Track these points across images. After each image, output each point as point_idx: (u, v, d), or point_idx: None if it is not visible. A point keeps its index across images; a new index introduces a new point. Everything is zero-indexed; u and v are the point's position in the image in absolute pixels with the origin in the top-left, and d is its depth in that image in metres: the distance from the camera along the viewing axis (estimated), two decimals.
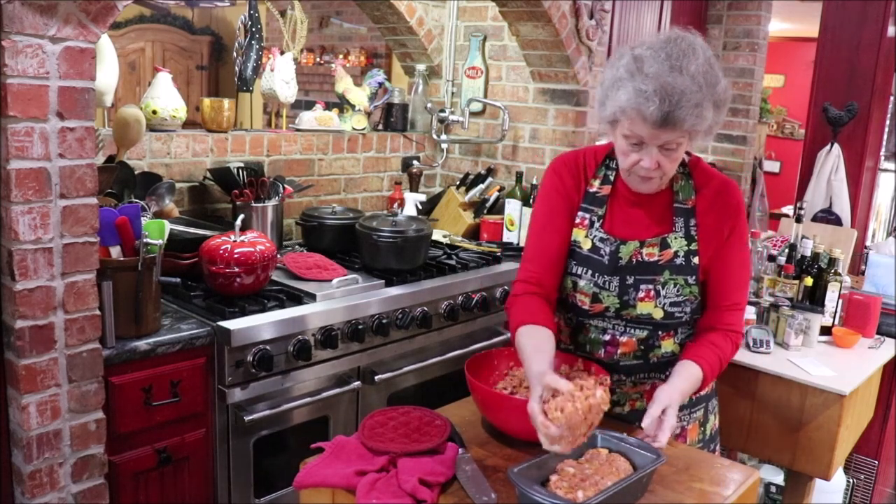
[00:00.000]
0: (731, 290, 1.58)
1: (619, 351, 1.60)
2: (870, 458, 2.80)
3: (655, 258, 1.56)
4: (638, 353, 1.60)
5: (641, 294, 1.55)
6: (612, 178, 1.61)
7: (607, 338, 1.60)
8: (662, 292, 1.55)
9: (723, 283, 1.58)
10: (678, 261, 1.55)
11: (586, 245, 1.60)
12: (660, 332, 1.59)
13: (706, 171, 1.62)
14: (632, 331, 1.59)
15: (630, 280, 1.56)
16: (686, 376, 1.47)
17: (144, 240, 1.79)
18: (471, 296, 2.57)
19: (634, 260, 1.56)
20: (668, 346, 1.60)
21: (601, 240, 1.59)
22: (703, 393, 1.67)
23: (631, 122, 1.41)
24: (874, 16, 4.12)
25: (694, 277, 1.55)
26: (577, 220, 1.62)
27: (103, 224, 1.70)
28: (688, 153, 1.61)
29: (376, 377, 2.29)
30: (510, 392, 1.51)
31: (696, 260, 1.55)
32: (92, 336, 1.67)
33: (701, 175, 1.60)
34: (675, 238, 1.56)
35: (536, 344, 1.45)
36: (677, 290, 1.55)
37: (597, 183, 1.63)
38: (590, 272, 1.59)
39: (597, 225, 1.60)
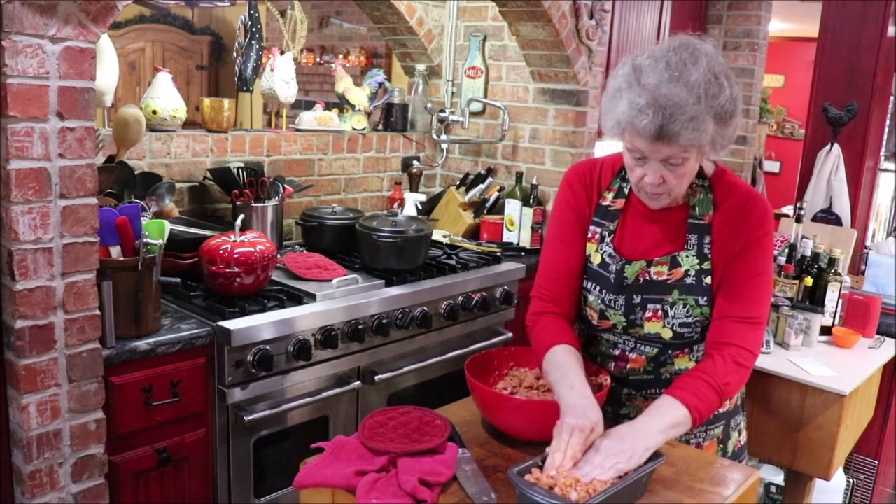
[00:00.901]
0: (738, 301, 1.45)
1: (628, 366, 1.57)
2: (870, 458, 2.80)
3: (664, 277, 1.49)
4: (649, 369, 1.56)
5: (649, 314, 1.50)
6: (626, 190, 1.56)
7: (617, 353, 1.58)
8: (671, 312, 1.49)
9: (730, 293, 1.47)
10: (688, 280, 1.48)
11: (596, 260, 1.57)
12: (671, 350, 1.54)
13: (730, 185, 1.51)
14: (642, 348, 1.55)
15: (637, 299, 1.51)
16: (655, 410, 1.37)
17: (144, 240, 1.79)
18: (471, 296, 2.57)
19: (642, 279, 1.51)
20: (682, 363, 1.55)
21: (609, 256, 1.54)
22: (724, 410, 1.60)
23: (630, 136, 1.37)
24: (874, 16, 4.12)
25: (705, 298, 1.48)
26: (589, 234, 1.59)
27: (103, 224, 1.70)
28: (715, 163, 1.55)
29: (376, 377, 2.29)
30: (510, 392, 1.51)
31: (707, 280, 1.48)
32: (92, 336, 1.67)
33: (723, 189, 1.51)
34: (687, 256, 1.49)
35: (571, 368, 1.44)
36: (687, 311, 1.49)
37: (610, 196, 1.58)
38: (598, 288, 1.56)
39: (607, 240, 1.56)
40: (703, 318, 1.50)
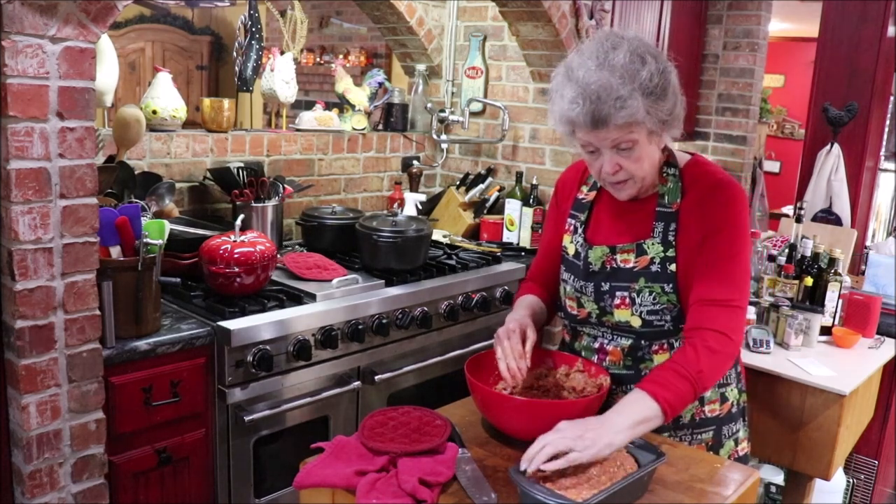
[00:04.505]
0: (711, 284, 1.44)
1: (607, 359, 1.59)
2: (870, 458, 2.80)
3: (631, 264, 1.52)
4: (628, 364, 1.57)
5: (617, 301, 1.52)
6: (599, 183, 1.60)
7: (596, 345, 1.60)
8: (638, 300, 1.50)
9: (702, 277, 1.45)
10: (654, 268, 1.50)
11: (571, 251, 1.62)
12: (644, 342, 1.54)
13: (701, 172, 1.53)
14: (617, 339, 1.57)
15: (605, 286, 1.54)
16: (620, 404, 1.34)
17: (144, 240, 1.79)
18: (471, 296, 2.57)
19: (609, 266, 1.54)
20: (661, 360, 1.54)
21: (581, 245, 1.60)
22: (713, 415, 1.58)
23: (574, 130, 1.42)
24: (874, 16, 4.12)
25: (671, 286, 1.49)
26: (566, 227, 1.65)
27: (103, 224, 1.70)
28: (692, 154, 1.57)
29: (376, 377, 2.29)
30: (510, 392, 1.51)
31: (672, 267, 1.49)
32: (92, 336, 1.67)
33: (693, 176, 1.52)
34: (652, 244, 1.51)
35: (523, 303, 1.64)
36: (653, 299, 1.49)
37: (585, 189, 1.65)
38: (572, 277, 1.60)
39: (580, 231, 1.61)
40: (670, 306, 1.50)
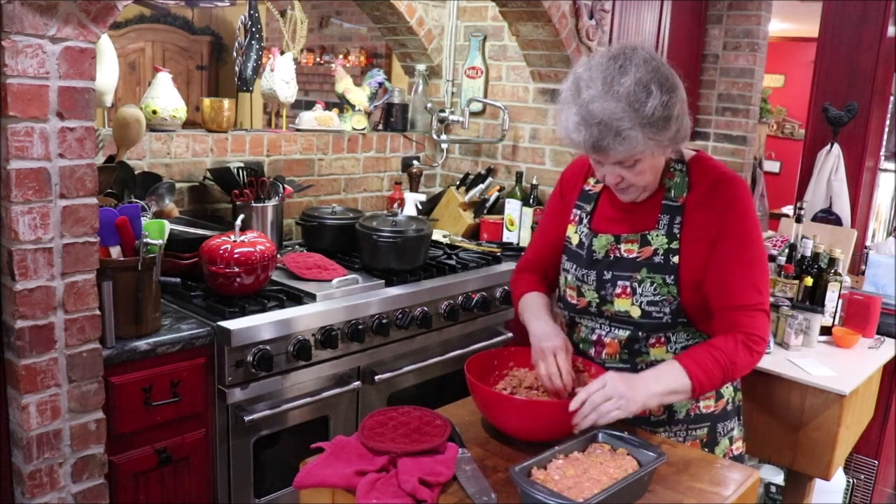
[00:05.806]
0: (737, 291, 1.47)
1: (604, 352, 1.60)
2: (870, 458, 2.80)
3: (634, 255, 1.54)
4: (624, 357, 1.58)
5: (618, 290, 1.55)
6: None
7: (594, 338, 1.61)
8: (639, 290, 1.53)
9: (724, 284, 1.48)
10: (657, 259, 1.52)
11: (574, 241, 1.65)
12: (642, 334, 1.55)
13: (706, 167, 1.56)
14: (615, 331, 1.58)
15: (607, 275, 1.56)
16: (658, 371, 1.43)
17: (144, 240, 1.79)
18: (471, 296, 2.57)
19: (612, 255, 1.56)
20: (658, 353, 1.56)
21: (585, 234, 1.62)
22: (707, 411, 1.60)
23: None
24: (874, 16, 4.12)
25: (673, 277, 1.51)
26: (571, 217, 1.67)
27: (103, 224, 1.70)
28: (695, 150, 1.59)
29: (376, 377, 2.29)
30: (510, 392, 1.51)
31: (675, 259, 1.51)
32: (92, 336, 1.67)
33: (698, 171, 1.55)
34: (657, 236, 1.53)
35: (538, 304, 1.66)
36: (654, 289, 1.52)
37: (592, 181, 1.66)
38: (574, 266, 1.62)
39: (585, 221, 1.63)
40: (670, 298, 1.52)
